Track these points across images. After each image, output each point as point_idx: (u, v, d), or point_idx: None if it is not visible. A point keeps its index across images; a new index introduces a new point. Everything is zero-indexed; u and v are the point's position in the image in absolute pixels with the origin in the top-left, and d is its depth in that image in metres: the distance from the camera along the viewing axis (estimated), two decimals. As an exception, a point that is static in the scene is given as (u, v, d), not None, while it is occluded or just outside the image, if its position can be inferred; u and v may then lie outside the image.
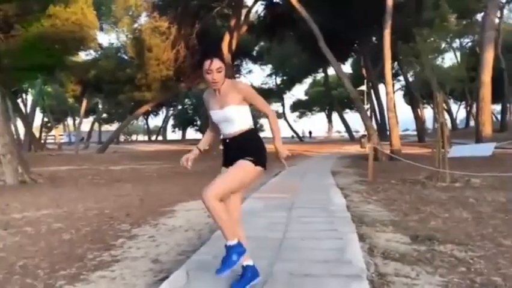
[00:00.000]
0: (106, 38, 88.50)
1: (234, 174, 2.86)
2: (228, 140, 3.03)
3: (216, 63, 2.87)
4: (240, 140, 2.99)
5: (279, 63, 47.61)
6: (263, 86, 54.65)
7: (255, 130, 3.10)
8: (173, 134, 75.96)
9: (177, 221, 5.67)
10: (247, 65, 43.92)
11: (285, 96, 59.07)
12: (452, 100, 55.56)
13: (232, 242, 2.77)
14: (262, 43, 36.31)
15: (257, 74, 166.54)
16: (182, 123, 69.45)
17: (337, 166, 14.55)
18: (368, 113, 47.39)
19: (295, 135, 56.12)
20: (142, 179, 12.25)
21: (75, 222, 5.86)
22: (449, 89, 36.39)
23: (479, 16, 36.04)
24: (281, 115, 60.61)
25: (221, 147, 3.18)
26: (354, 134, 50.90)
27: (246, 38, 27.71)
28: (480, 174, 8.86)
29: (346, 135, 54.52)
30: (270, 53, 40.68)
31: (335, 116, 66.00)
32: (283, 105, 58.76)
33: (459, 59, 42.15)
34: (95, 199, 8.13)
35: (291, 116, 70.90)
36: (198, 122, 64.05)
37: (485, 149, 14.38)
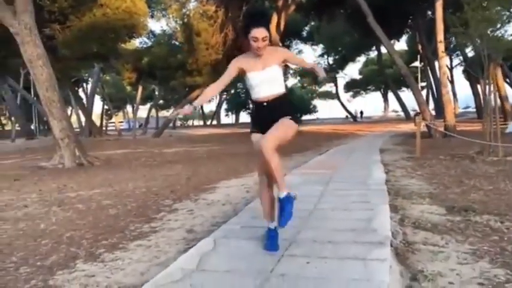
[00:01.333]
0: (158, 25, 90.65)
1: (284, 129, 2.98)
2: (265, 103, 3.08)
3: (263, 32, 2.94)
4: (279, 102, 3.07)
5: (330, 43, 46.70)
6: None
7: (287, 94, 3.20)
8: (226, 118, 76.89)
9: (217, 196, 5.85)
10: (297, 46, 43.54)
11: (337, 76, 58.05)
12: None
13: (285, 193, 2.89)
14: (312, 23, 35.82)
15: (308, 54, 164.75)
16: (235, 107, 69.93)
17: (387, 144, 14.27)
18: (425, 91, 45.88)
19: (349, 116, 55.17)
20: (193, 160, 12.58)
21: (123, 199, 6.17)
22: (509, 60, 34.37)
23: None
24: (334, 95, 59.78)
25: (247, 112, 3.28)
26: (411, 112, 49.34)
27: (294, 17, 27.43)
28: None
29: (402, 114, 52.96)
30: (320, 32, 40.05)
31: (390, 95, 64.22)
32: (336, 85, 57.81)
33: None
34: (145, 179, 8.48)
35: (345, 96, 69.75)
36: (251, 106, 64.42)
37: (547, 123, 13.66)
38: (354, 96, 70.01)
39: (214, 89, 3.19)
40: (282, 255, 2.89)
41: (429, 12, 32.94)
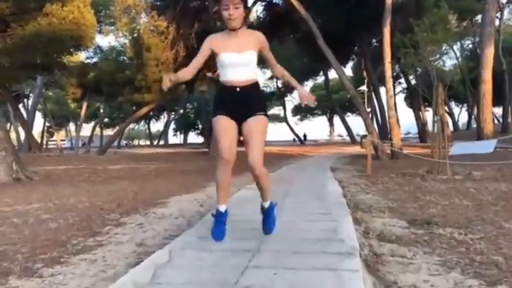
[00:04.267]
0: (105, 40, 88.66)
1: (262, 136, 2.92)
2: (238, 89, 2.88)
3: None
4: (251, 89, 2.91)
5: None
6: (264, 88, 54.52)
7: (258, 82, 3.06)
8: (174, 138, 75.85)
9: (168, 210, 5.50)
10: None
11: (286, 99, 58.87)
12: (453, 103, 55.36)
13: (269, 202, 3.20)
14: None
15: (258, 77, 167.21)
16: (184, 127, 69.27)
17: (337, 164, 14.37)
18: (369, 116, 47.27)
19: (296, 139, 55.90)
20: (139, 176, 12.08)
21: (64, 213, 5.69)
22: (448, 91, 36.22)
23: (479, 17, 36.18)
24: (282, 119, 60.49)
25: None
26: (356, 137, 50.69)
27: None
28: (482, 163, 8.67)
29: (347, 138, 54.28)
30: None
31: (336, 119, 65.86)
32: (284, 108, 58.57)
33: (459, 60, 42.01)
34: (88, 194, 7.97)
35: (292, 119, 70.78)
36: (199, 126, 63.86)
37: (487, 146, 14.19)
38: (301, 119, 71.23)
39: (190, 70, 2.98)
40: (246, 266, 2.63)
41: (374, 40, 34.32)
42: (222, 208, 3.10)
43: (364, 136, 27.67)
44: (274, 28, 25.87)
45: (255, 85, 2.94)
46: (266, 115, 2.96)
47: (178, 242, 3.29)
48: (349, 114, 64.14)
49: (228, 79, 2.89)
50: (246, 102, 2.86)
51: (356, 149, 27.05)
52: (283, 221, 4.00)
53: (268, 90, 55.06)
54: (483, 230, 3.86)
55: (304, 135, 63.13)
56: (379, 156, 16.19)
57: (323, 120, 68.85)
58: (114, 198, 6.94)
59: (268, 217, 3.14)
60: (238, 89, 2.87)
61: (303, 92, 3.06)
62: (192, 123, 66.84)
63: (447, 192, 6.47)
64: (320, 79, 55.68)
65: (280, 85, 53.00)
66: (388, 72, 16.82)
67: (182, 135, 75.04)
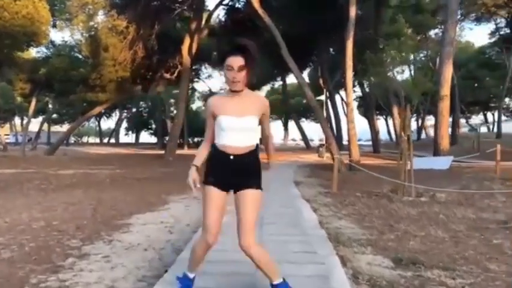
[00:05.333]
0: (59, 36, 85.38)
1: (256, 212, 2.63)
2: (232, 157, 2.60)
3: (239, 61, 2.52)
4: (247, 158, 2.61)
5: (237, 70, 47.07)
6: (221, 92, 54.05)
7: (258, 146, 2.77)
8: (126, 137, 73.90)
9: (134, 237, 5.12)
10: (207, 70, 43.31)
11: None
12: (404, 112, 56.99)
13: (279, 280, 2.65)
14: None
15: (216, 80, 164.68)
16: (136, 126, 67.68)
17: (298, 176, 14.28)
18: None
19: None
20: (94, 184, 11.49)
21: (18, 235, 5.22)
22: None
23: (432, 32, 37.49)
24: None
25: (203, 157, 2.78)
26: (310, 142, 51.23)
27: (206, 42, 27.22)
28: (444, 189, 8.78)
29: (301, 143, 54.76)
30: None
31: (291, 124, 66.39)
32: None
33: (413, 73, 43.33)
34: (41, 207, 7.44)
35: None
36: (153, 126, 62.61)
37: (444, 163, 14.68)
38: (258, 124, 71.26)
39: (205, 147, 2.78)
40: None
41: (331, 49, 34.82)
42: (191, 275, 2.87)
43: (321, 145, 27.92)
44: (236, 33, 25.61)
45: (252, 153, 2.66)
46: (260, 187, 2.68)
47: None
48: (303, 119, 64.88)
49: (223, 143, 2.62)
50: (240, 172, 2.60)
51: (313, 157, 27.22)
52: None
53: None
54: (470, 273, 3.77)
55: (261, 140, 63.15)
56: (339, 169, 16.23)
57: (278, 124, 69.18)
58: (72, 217, 6.46)
59: None
60: (231, 157, 2.60)
61: (265, 165, 2.89)
62: (145, 122, 65.43)
63: (418, 218, 6.44)
64: (277, 84, 55.92)
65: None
66: (349, 86, 16.96)
67: (134, 134, 73.29)
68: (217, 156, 2.66)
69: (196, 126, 46.58)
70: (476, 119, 62.53)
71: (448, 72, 16.41)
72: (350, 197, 8.79)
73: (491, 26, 40.45)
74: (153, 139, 64.48)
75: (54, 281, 3.55)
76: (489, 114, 63.12)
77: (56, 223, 5.98)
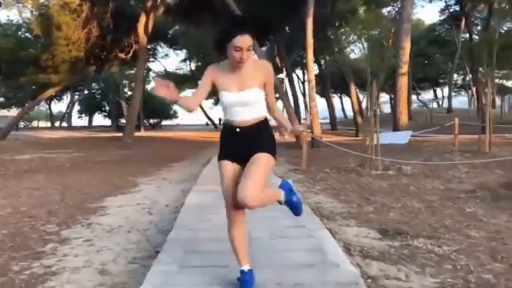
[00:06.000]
0: (4, 13, 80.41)
1: (263, 172, 2.47)
2: (239, 129, 2.52)
3: (248, 40, 2.36)
4: (255, 130, 2.52)
5: (194, 48, 46.29)
6: (177, 71, 53.22)
7: (267, 119, 2.65)
8: (79, 120, 71.42)
9: (113, 219, 4.96)
10: (163, 49, 42.32)
11: (199, 82, 57.89)
12: (359, 90, 58.15)
13: (281, 197, 2.80)
14: (178, 27, 35.00)
15: (173, 59, 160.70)
16: (89, 108, 65.45)
17: (263, 154, 14.28)
18: (280, 101, 48.04)
19: (209, 123, 55.43)
20: (55, 169, 11.06)
21: (-15, 224, 4.94)
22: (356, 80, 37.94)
23: (385, 10, 38.08)
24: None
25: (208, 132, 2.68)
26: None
27: (163, 20, 26.50)
28: (409, 162, 9.01)
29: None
30: (185, 37, 39.40)
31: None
32: (197, 91, 57.53)
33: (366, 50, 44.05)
34: (4, 194, 7.10)
35: (207, 103, 70.01)
36: (107, 108, 60.83)
37: (403, 137, 15.07)
38: (215, 103, 70.69)
39: (193, 102, 2.57)
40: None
41: (287, 28, 34.80)
42: (246, 268, 2.63)
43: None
44: (192, 10, 25.10)
45: (261, 123, 2.56)
46: (271, 152, 2.56)
47: (155, 274, 2.86)
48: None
49: (229, 118, 2.56)
50: (249, 143, 2.51)
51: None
52: (259, 236, 3.73)
53: (181, 72, 53.75)
54: (453, 240, 3.89)
55: (220, 120, 62.93)
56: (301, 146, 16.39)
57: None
58: (39, 202, 6.19)
59: (292, 206, 2.87)
60: (238, 130, 2.53)
61: (296, 128, 2.79)
62: (98, 104, 63.37)
63: (390, 190, 6.60)
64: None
65: (194, 68, 51.94)
66: (310, 64, 17.03)
67: (87, 117, 70.99)
68: (225, 130, 2.59)
69: (152, 107, 45.54)
70: (427, 95, 64.58)
71: (406, 49, 16.74)
72: (320, 172, 8.89)
73: (441, 4, 41.50)
74: (107, 121, 62.71)
75: (39, 267, 3.39)
76: (438, 91, 65.29)
77: (24, 209, 5.71)
